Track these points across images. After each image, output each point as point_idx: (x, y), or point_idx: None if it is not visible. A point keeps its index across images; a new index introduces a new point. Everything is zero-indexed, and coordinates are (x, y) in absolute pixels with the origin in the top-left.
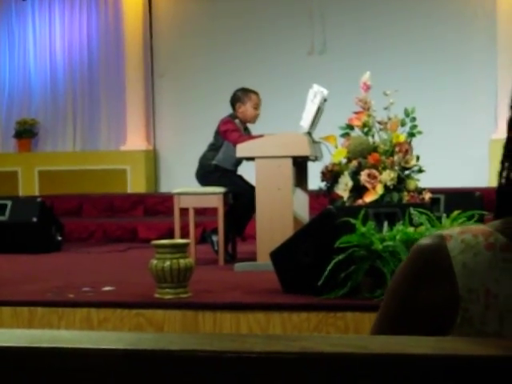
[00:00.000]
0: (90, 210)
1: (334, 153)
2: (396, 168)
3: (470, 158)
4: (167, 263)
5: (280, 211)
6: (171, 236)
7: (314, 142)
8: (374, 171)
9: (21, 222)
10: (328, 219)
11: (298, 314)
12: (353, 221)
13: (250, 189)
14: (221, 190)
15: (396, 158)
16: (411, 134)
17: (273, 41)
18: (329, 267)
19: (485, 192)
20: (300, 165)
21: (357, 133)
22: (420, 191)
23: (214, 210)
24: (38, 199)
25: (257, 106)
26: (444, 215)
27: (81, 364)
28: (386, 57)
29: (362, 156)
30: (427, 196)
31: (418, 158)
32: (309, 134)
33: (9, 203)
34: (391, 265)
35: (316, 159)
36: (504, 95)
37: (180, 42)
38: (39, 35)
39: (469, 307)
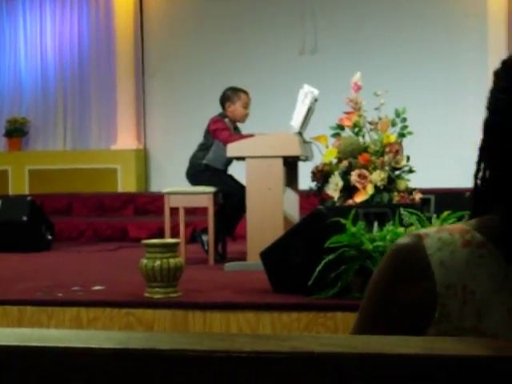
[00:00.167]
0: (80, 209)
1: (324, 153)
2: (386, 168)
3: (460, 159)
4: (157, 263)
5: (270, 211)
6: (161, 235)
7: (304, 141)
8: (364, 171)
9: (11, 220)
10: (318, 219)
11: (288, 314)
12: (343, 221)
13: (241, 188)
14: (211, 189)
15: (386, 158)
16: (402, 135)
17: (264, 41)
18: (319, 267)
19: None
20: (290, 165)
21: (347, 133)
22: (410, 191)
23: (204, 210)
24: (28, 198)
25: (246, 105)
26: (434, 215)
27: (70, 363)
28: (377, 57)
29: (353, 156)
30: (417, 196)
31: (408, 158)
32: (299, 133)
33: None
34: None
35: (307, 159)
36: None
37: (171, 42)
38: (30, 34)
39: (447, 303)
